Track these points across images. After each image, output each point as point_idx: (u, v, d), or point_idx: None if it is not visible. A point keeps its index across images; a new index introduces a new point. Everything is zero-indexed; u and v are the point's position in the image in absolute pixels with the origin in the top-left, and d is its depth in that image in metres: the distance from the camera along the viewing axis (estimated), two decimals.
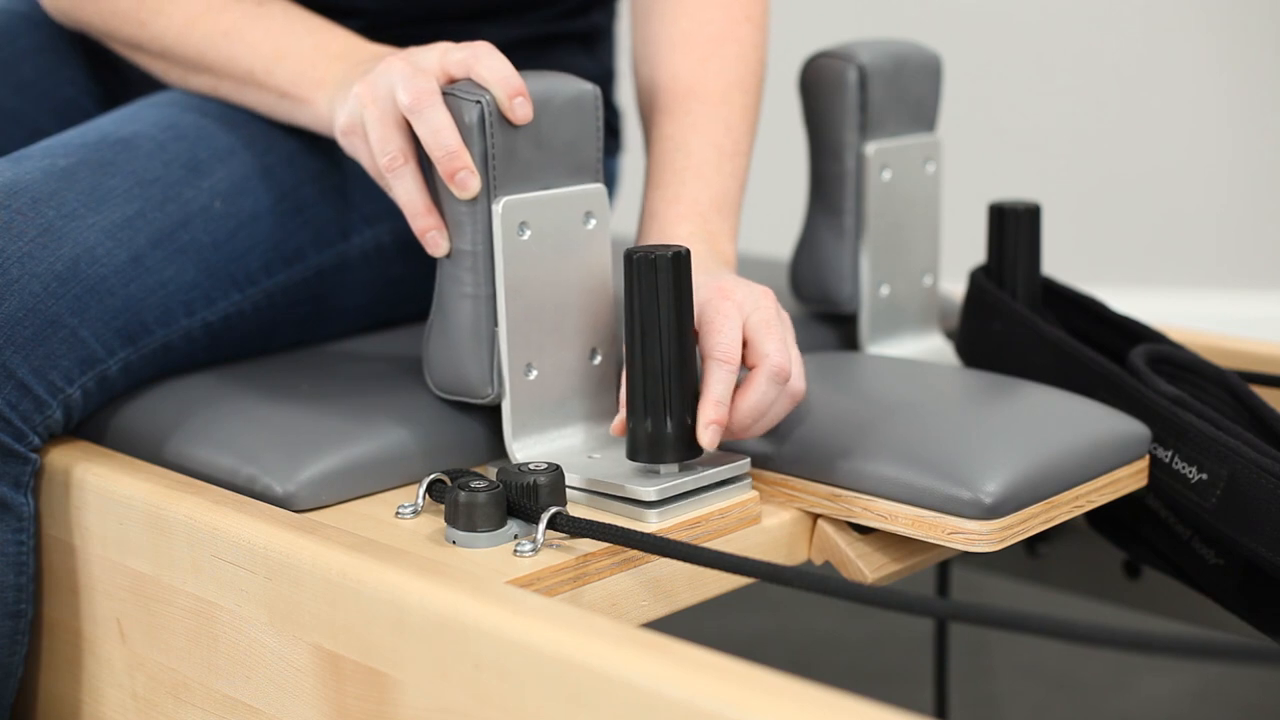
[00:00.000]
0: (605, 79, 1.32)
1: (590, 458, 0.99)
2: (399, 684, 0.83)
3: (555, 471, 0.92)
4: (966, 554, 1.00)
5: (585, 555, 0.90)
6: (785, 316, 1.00)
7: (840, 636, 1.75)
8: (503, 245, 0.97)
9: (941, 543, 0.96)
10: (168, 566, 0.95)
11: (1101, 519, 1.17)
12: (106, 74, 1.27)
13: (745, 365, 0.97)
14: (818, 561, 1.01)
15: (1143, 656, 1.52)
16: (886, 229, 1.22)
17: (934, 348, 1.25)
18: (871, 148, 1.20)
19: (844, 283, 1.22)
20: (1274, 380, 1.18)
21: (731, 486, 0.98)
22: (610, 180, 1.33)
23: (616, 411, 0.98)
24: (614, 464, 0.98)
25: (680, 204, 1.08)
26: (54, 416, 1.01)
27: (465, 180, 0.96)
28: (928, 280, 1.26)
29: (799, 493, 1.00)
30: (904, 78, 1.21)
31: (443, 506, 0.94)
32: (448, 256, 0.99)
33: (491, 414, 1.03)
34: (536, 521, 0.90)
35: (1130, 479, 1.05)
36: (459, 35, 1.09)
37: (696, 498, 0.96)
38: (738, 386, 0.96)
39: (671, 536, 0.93)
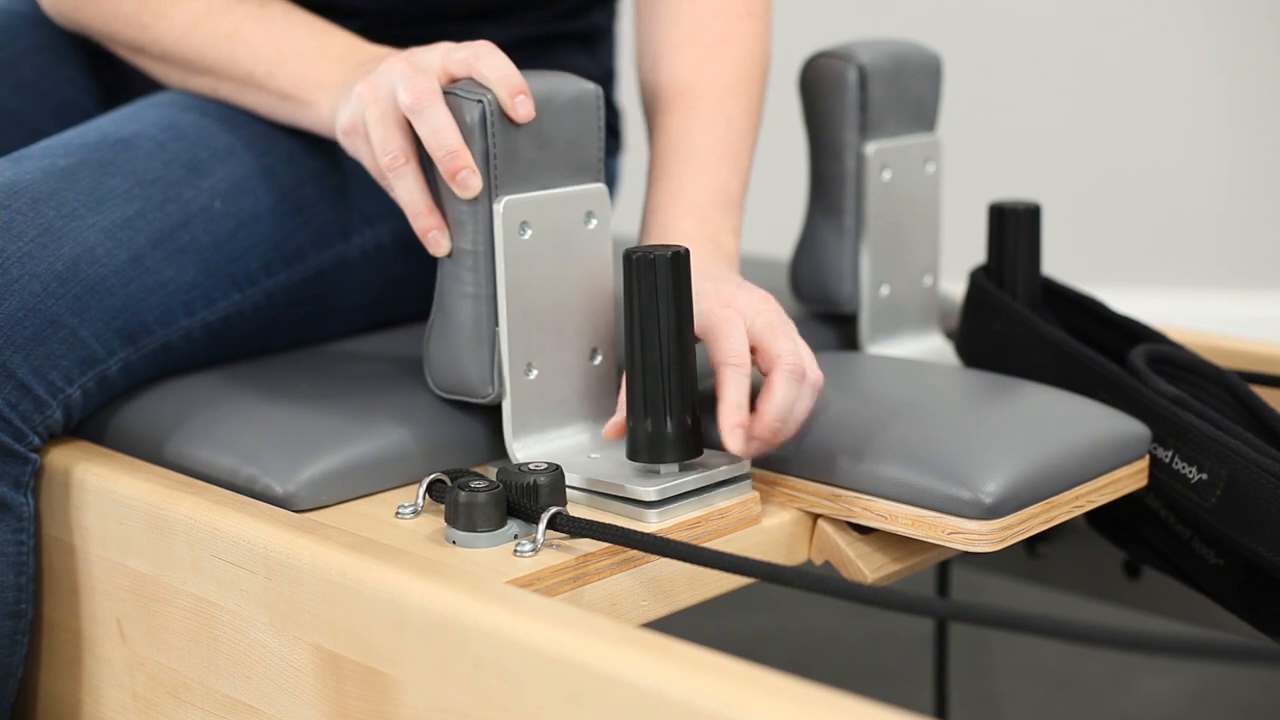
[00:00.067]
0: (606, 79, 1.32)
1: (590, 458, 0.99)
2: (399, 684, 0.83)
3: (555, 471, 0.92)
4: (966, 554, 1.00)
5: (585, 555, 0.90)
6: (788, 318, 1.01)
7: (840, 636, 1.75)
8: (504, 245, 0.97)
9: (941, 543, 0.96)
10: (168, 566, 0.95)
11: (1101, 519, 1.17)
12: (106, 74, 1.27)
13: (758, 370, 0.98)
14: (818, 561, 1.01)
15: (1143, 656, 1.52)
16: (886, 229, 1.22)
17: (934, 348, 1.25)
18: (871, 148, 1.20)
19: (844, 283, 1.22)
20: (1274, 380, 1.18)
21: (731, 486, 0.98)
22: (611, 180, 1.33)
23: (616, 413, 0.98)
24: (614, 464, 0.98)
25: (682, 200, 1.08)
26: (54, 416, 1.01)
27: (466, 180, 0.96)
28: (928, 280, 1.26)
29: (799, 493, 1.00)
30: (904, 78, 1.21)
31: (443, 506, 0.94)
32: (449, 256, 0.99)
33: (491, 414, 1.03)
34: (536, 521, 0.90)
35: (1130, 479, 1.05)
36: (459, 35, 1.09)
37: (696, 498, 0.96)
38: (757, 394, 0.96)
39: (671, 536, 0.93)
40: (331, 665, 0.86)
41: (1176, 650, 0.68)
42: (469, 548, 0.91)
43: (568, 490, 0.96)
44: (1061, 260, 1.76)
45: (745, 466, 0.98)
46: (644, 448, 0.95)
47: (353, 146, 1.02)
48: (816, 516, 1.01)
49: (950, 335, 1.29)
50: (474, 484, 0.91)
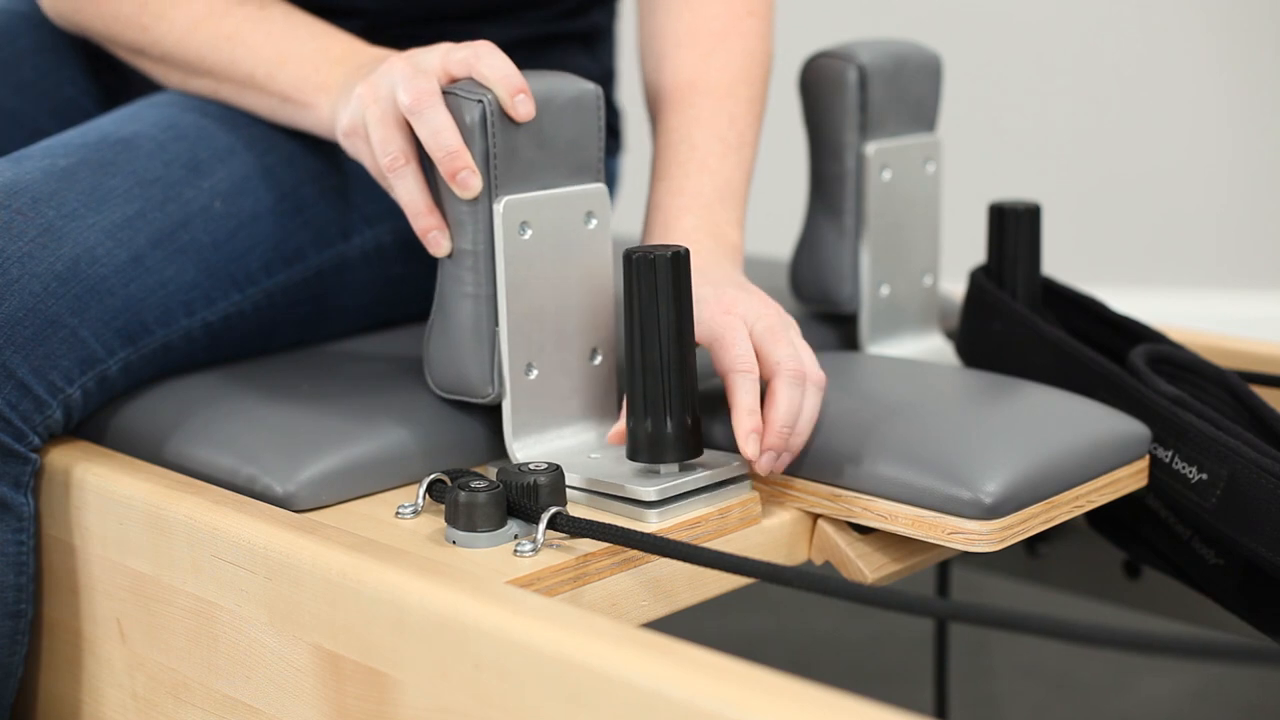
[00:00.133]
0: (606, 79, 1.32)
1: (590, 458, 0.99)
2: (399, 684, 0.83)
3: (555, 471, 0.92)
4: (966, 554, 1.00)
5: (585, 555, 0.90)
6: (789, 319, 1.01)
7: (840, 636, 1.75)
8: (504, 245, 0.97)
9: (941, 543, 0.96)
10: (168, 566, 0.95)
11: (1101, 519, 1.17)
12: (106, 74, 1.27)
13: (760, 377, 0.98)
14: (818, 561, 1.01)
15: (1143, 656, 1.52)
16: (886, 229, 1.22)
17: (934, 348, 1.25)
18: (871, 148, 1.20)
19: (844, 283, 1.22)
20: (1274, 380, 1.18)
21: (731, 486, 0.98)
22: (610, 180, 1.33)
23: (618, 415, 0.98)
24: (614, 464, 0.98)
25: (684, 196, 1.08)
26: (54, 416, 1.01)
27: (466, 180, 0.96)
28: (928, 280, 1.26)
29: (799, 493, 1.00)
30: (904, 78, 1.21)
31: (443, 506, 0.94)
32: (449, 256, 0.99)
33: (491, 414, 1.03)
34: (536, 521, 0.90)
35: (1130, 479, 1.05)
36: (459, 35, 1.09)
37: (697, 498, 0.96)
38: (763, 403, 0.96)
39: (671, 536, 0.93)
40: (331, 665, 0.86)
41: (1176, 650, 0.68)
42: (469, 548, 0.91)
43: (568, 490, 0.96)
44: (1061, 260, 1.77)
45: (745, 467, 0.98)
46: (644, 448, 0.95)
47: (353, 148, 1.02)
48: (816, 516, 1.01)
49: (950, 335, 1.29)
50: (474, 484, 0.91)
